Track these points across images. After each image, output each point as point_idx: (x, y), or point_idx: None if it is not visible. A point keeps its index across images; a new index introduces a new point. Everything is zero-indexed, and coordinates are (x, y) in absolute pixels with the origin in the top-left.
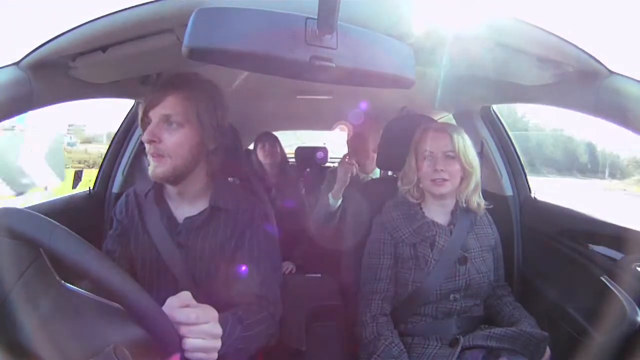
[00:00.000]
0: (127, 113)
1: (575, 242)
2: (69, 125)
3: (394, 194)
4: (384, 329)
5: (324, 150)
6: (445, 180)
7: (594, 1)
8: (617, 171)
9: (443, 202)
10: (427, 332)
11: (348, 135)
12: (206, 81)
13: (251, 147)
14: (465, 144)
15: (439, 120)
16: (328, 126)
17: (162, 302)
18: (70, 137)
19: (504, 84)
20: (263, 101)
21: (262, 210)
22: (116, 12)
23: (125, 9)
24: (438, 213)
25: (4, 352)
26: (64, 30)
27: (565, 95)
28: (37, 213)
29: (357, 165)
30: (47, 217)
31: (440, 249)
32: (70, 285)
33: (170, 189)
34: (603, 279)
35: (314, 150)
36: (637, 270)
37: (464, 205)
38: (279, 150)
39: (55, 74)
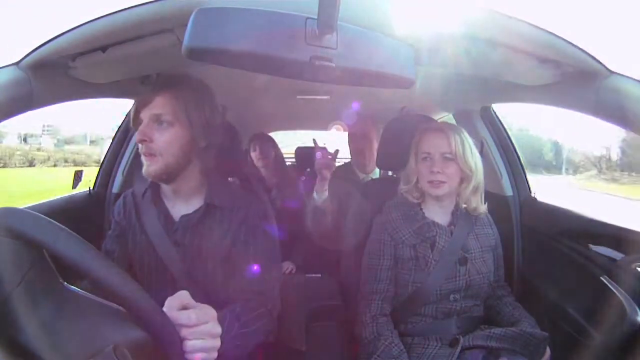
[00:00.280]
0: (127, 113)
1: (575, 242)
2: (44, 126)
3: (394, 194)
4: (383, 329)
5: (322, 150)
6: (441, 182)
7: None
8: (572, 167)
9: (442, 203)
10: (427, 332)
11: (349, 136)
12: (195, 80)
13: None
14: (464, 145)
15: (439, 120)
16: (328, 126)
17: (161, 302)
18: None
19: (504, 84)
20: (263, 101)
21: (259, 208)
22: (116, 12)
23: (125, 9)
24: (438, 213)
25: (4, 352)
26: (64, 30)
27: (565, 95)
28: (39, 214)
29: (333, 156)
30: (49, 218)
31: (440, 249)
32: (72, 286)
33: (165, 188)
34: (603, 279)
35: (313, 150)
36: (637, 270)
37: (465, 206)
38: (272, 151)
39: (55, 74)
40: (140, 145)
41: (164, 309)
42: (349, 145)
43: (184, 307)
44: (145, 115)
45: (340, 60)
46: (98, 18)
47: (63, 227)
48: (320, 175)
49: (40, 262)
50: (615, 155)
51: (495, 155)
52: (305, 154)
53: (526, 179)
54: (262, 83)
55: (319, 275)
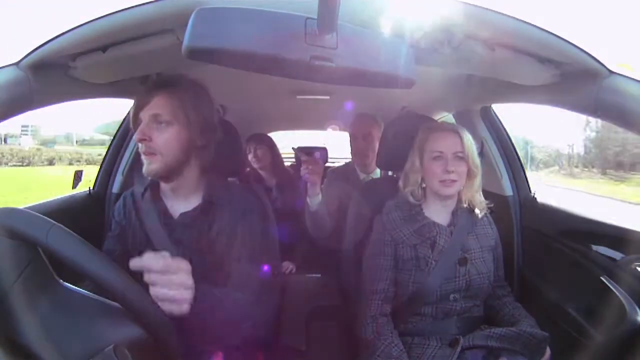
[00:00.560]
0: (127, 113)
1: (575, 242)
2: (23, 127)
3: (394, 194)
4: (383, 329)
5: (322, 150)
6: (454, 181)
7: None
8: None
9: (446, 202)
10: (427, 332)
11: (350, 136)
12: (191, 80)
13: None
14: (471, 144)
15: (439, 120)
16: (324, 127)
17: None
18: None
19: (504, 84)
20: (262, 101)
21: (259, 208)
22: (116, 12)
23: (125, 9)
24: (439, 213)
25: (3, 351)
26: (64, 30)
27: (565, 95)
28: (35, 212)
29: (318, 161)
30: (43, 216)
31: (440, 249)
32: (69, 285)
33: (165, 187)
34: (603, 279)
35: (313, 150)
36: (637, 270)
37: (466, 205)
38: (267, 154)
39: (55, 74)
40: (140, 144)
41: (144, 257)
42: (350, 145)
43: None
44: (144, 115)
45: (340, 60)
46: (98, 18)
47: (59, 224)
48: (309, 182)
49: (36, 261)
50: (576, 152)
51: (495, 155)
52: (306, 153)
53: (526, 179)
54: (262, 83)
55: (319, 275)
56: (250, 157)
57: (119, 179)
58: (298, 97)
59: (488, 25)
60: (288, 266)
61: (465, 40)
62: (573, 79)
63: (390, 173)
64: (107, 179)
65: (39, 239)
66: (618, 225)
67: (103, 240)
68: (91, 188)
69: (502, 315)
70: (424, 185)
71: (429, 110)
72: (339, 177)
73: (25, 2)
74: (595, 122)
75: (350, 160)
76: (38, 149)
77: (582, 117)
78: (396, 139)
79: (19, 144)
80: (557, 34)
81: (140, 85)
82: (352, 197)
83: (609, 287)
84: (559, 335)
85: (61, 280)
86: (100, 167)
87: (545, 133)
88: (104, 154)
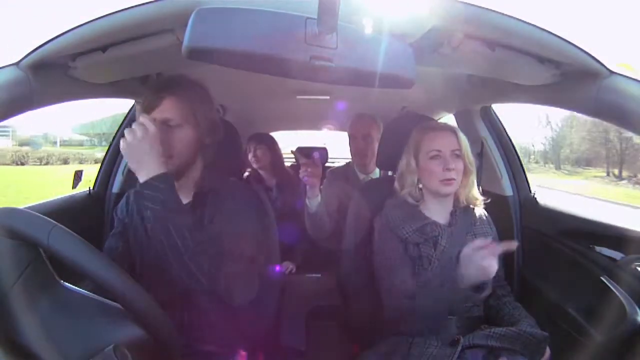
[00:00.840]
0: (127, 113)
1: (575, 242)
2: (1, 127)
3: (394, 193)
4: (384, 329)
5: (321, 150)
6: (453, 179)
7: (594, 1)
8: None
9: (444, 201)
10: (427, 332)
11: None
12: (195, 81)
13: None
14: (466, 142)
15: (438, 120)
16: (321, 127)
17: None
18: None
19: (504, 84)
20: (262, 101)
21: (256, 203)
22: (116, 12)
23: (125, 9)
24: (438, 213)
25: (3, 351)
26: (64, 30)
27: (565, 95)
28: (36, 213)
29: (317, 164)
30: (44, 217)
31: (442, 249)
32: (70, 285)
33: None
34: (603, 279)
35: (313, 150)
36: (637, 270)
37: (464, 203)
38: (267, 154)
39: (55, 74)
40: None
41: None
42: (350, 145)
43: None
44: (153, 119)
45: (340, 60)
46: (98, 18)
47: (60, 225)
48: (308, 185)
49: (37, 261)
50: (537, 149)
51: (495, 155)
52: (305, 154)
53: (526, 179)
54: (261, 83)
55: (319, 275)
56: (250, 156)
57: (119, 179)
58: (298, 97)
59: (488, 25)
60: (288, 266)
61: (465, 40)
62: (573, 79)
63: (390, 173)
64: (107, 179)
65: (41, 240)
66: (618, 225)
67: (103, 240)
68: (91, 188)
69: (502, 315)
70: (420, 185)
71: (429, 111)
72: (339, 178)
73: (25, 2)
74: (555, 122)
75: (350, 160)
76: (26, 152)
77: (543, 117)
78: (396, 139)
79: None
80: (557, 34)
81: (140, 85)
82: (351, 197)
83: (609, 287)
84: (559, 335)
85: (62, 281)
86: (101, 167)
87: (511, 131)
88: (85, 153)
